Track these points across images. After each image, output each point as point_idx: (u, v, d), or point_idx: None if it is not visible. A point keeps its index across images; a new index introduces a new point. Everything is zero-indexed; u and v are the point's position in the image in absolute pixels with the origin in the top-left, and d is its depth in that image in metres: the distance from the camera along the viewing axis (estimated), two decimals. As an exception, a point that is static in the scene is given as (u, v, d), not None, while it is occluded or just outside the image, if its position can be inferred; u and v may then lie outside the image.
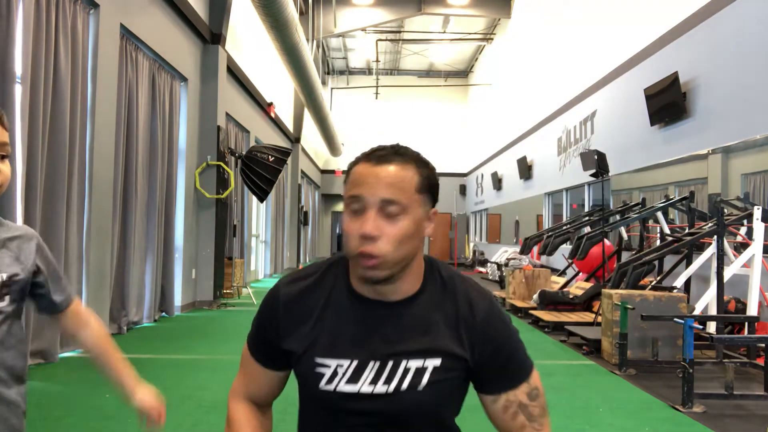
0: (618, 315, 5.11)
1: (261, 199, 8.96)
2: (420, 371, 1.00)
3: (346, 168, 1.06)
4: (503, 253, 14.64)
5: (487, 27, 19.74)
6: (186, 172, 8.10)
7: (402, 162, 0.99)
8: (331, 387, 1.00)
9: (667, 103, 7.31)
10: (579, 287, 8.21)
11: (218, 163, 8.65)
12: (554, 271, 10.57)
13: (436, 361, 1.01)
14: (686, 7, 7.20)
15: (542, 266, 10.47)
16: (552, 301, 7.91)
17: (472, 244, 22.66)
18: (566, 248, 9.19)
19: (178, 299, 7.88)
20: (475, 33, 20.18)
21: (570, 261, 9.15)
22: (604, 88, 9.82)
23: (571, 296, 7.99)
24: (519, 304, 8.62)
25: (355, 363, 1.00)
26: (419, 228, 0.99)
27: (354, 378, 1.00)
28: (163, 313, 7.50)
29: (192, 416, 3.54)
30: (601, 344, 5.57)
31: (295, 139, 17.34)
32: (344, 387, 1.00)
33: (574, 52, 11.43)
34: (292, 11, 9.60)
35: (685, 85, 7.04)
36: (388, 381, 1.00)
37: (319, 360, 1.01)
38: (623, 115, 8.96)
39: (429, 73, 24.56)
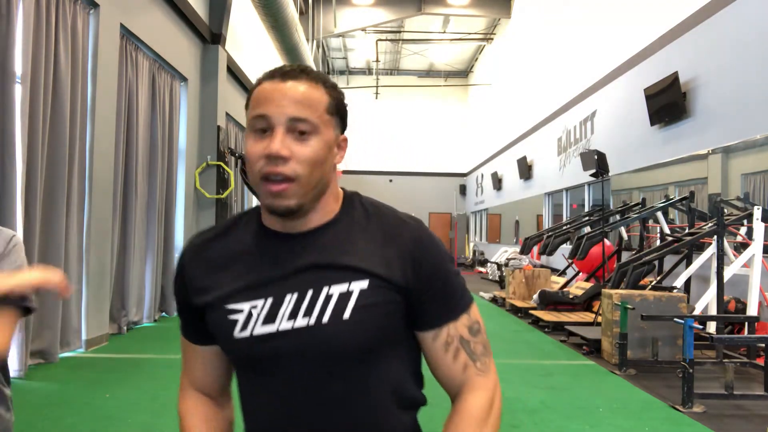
0: (618, 315, 5.11)
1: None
2: (344, 296, 0.88)
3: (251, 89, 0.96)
4: (503, 253, 14.64)
5: (487, 27, 19.74)
6: (186, 172, 8.10)
7: (310, 80, 0.90)
8: (246, 333, 0.89)
9: (667, 103, 7.31)
10: (579, 287, 8.21)
11: (218, 163, 8.65)
12: (554, 271, 10.56)
13: (363, 284, 0.88)
14: (686, 7, 7.20)
15: (542, 266, 10.47)
16: (552, 301, 7.91)
17: (472, 244, 22.66)
18: (566, 248, 9.19)
19: (178, 299, 7.88)
20: (475, 33, 20.18)
21: (570, 261, 9.15)
22: (604, 88, 9.82)
23: (571, 296, 7.99)
24: (519, 304, 8.62)
25: (270, 300, 0.89)
26: (331, 153, 0.91)
27: (270, 317, 0.89)
28: (163, 313, 7.51)
29: (192, 416, 3.53)
30: (601, 344, 5.57)
31: (295, 139, 17.35)
32: (261, 329, 0.88)
33: (574, 52, 11.43)
34: (292, 11, 9.61)
35: (685, 85, 7.04)
36: (308, 312, 0.88)
37: (231, 306, 0.90)
38: (623, 115, 8.96)
39: (429, 73, 24.55)
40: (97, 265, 5.52)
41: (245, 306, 0.90)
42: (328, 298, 0.88)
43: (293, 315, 0.88)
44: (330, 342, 0.88)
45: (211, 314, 0.93)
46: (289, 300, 0.89)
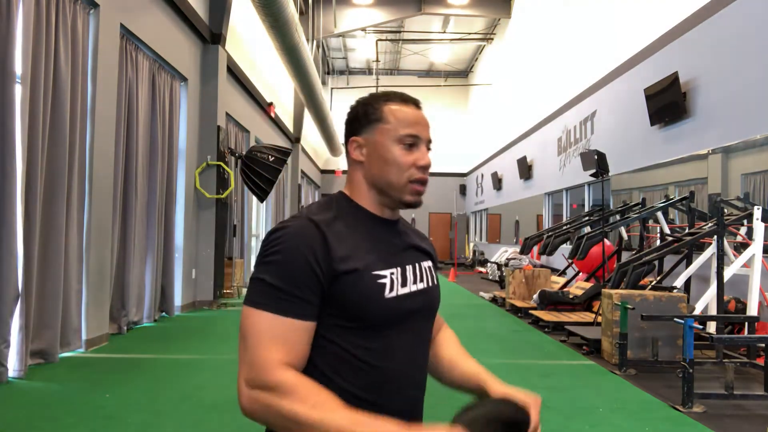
0: (618, 315, 5.11)
1: (261, 199, 8.96)
2: (430, 269, 1.22)
3: (368, 101, 1.17)
4: (503, 253, 14.64)
5: (487, 27, 19.74)
6: (186, 172, 8.10)
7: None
8: (394, 293, 1.08)
9: (667, 103, 7.31)
10: (579, 287, 8.21)
11: (218, 163, 8.65)
12: (554, 271, 10.57)
13: (430, 262, 1.24)
14: (686, 7, 7.20)
15: (542, 266, 10.47)
16: (552, 301, 7.91)
17: (472, 244, 22.66)
18: (566, 248, 9.19)
19: (178, 299, 7.88)
20: (475, 33, 20.18)
21: (570, 261, 9.15)
22: (604, 88, 9.82)
23: (571, 296, 7.98)
24: (519, 304, 8.62)
25: (399, 269, 1.12)
26: None
27: (404, 282, 1.12)
28: (163, 313, 7.50)
29: (192, 416, 3.53)
30: (601, 344, 5.57)
31: (295, 139, 17.35)
32: (402, 290, 1.11)
33: (574, 52, 11.43)
34: (292, 11, 9.60)
35: (685, 85, 7.04)
36: (422, 280, 1.17)
37: (377, 272, 1.07)
38: (623, 115, 8.96)
39: (429, 73, 24.56)
40: (97, 265, 5.52)
41: (386, 272, 1.09)
42: (428, 270, 1.21)
43: (415, 281, 1.15)
44: (436, 299, 1.21)
45: (358, 279, 1.05)
46: (410, 270, 1.15)
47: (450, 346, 1.32)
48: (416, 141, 1.14)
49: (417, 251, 1.21)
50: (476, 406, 1.02)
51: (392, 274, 1.10)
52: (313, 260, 1.02)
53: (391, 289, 1.08)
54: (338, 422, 0.92)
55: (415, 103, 1.18)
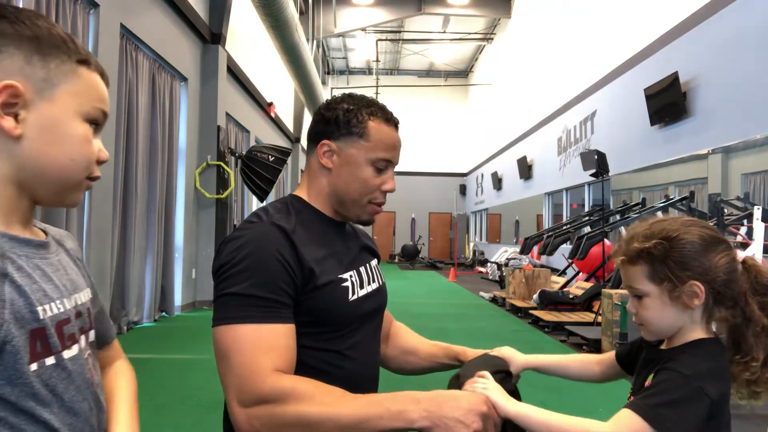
0: (618, 315, 5.11)
1: (261, 199, 8.95)
2: (377, 268, 1.26)
3: (352, 109, 1.12)
4: (503, 253, 14.64)
5: (487, 27, 19.74)
6: (186, 172, 8.10)
7: None
8: (355, 296, 1.11)
9: (667, 103, 7.31)
10: (579, 287, 8.21)
11: (218, 163, 8.65)
12: (554, 271, 10.56)
13: (376, 260, 1.28)
14: (686, 7, 7.20)
15: (542, 266, 10.47)
16: (552, 301, 7.91)
17: (472, 244, 22.66)
18: (566, 248, 9.19)
19: (178, 299, 7.88)
20: (475, 33, 20.19)
21: (570, 261, 9.16)
22: (604, 88, 9.82)
23: (571, 296, 7.98)
24: (519, 304, 8.61)
25: (355, 271, 1.14)
26: None
27: (361, 284, 1.15)
28: (163, 313, 7.50)
29: (192, 416, 3.54)
30: (601, 344, 5.57)
31: (295, 139, 17.35)
32: (361, 292, 1.13)
33: (574, 52, 11.44)
34: (292, 11, 9.61)
35: (685, 85, 7.04)
36: (374, 280, 1.21)
37: (340, 276, 1.09)
38: (623, 115, 8.96)
39: (429, 73, 24.56)
40: (97, 265, 5.52)
41: (347, 275, 1.11)
42: (374, 268, 1.24)
43: (369, 281, 1.18)
44: (385, 297, 1.25)
45: (327, 284, 1.05)
46: (362, 272, 1.17)
47: (409, 335, 1.38)
48: (388, 166, 1.14)
49: (365, 251, 1.24)
50: (470, 366, 1.13)
51: (351, 276, 1.12)
52: (285, 262, 0.99)
53: (353, 293, 1.10)
54: (351, 410, 0.89)
55: (396, 124, 1.18)
